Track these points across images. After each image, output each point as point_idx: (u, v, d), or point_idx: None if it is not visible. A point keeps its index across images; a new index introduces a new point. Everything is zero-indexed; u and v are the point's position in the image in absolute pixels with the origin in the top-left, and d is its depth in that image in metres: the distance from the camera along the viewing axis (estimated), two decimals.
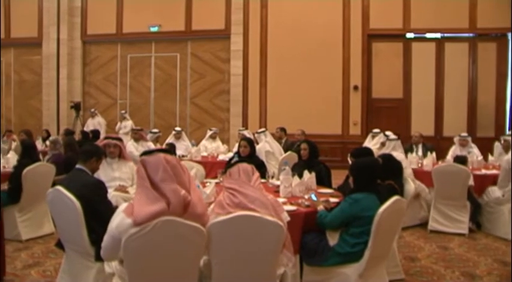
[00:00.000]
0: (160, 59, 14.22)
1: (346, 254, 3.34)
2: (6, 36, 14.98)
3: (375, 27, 12.48)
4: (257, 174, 3.13)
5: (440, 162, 7.12)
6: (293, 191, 4.28)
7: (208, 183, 4.45)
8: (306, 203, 3.81)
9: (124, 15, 14.20)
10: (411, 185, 4.77)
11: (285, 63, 12.81)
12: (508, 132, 11.15)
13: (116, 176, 5.14)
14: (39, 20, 14.68)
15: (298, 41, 12.69)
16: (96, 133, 9.96)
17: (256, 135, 8.54)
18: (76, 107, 13.45)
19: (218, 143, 9.73)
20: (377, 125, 11.16)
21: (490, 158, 7.76)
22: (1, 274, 4.17)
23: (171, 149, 2.89)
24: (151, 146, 8.17)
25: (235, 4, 13.19)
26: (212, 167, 7.19)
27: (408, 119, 12.53)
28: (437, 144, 10.81)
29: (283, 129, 9.59)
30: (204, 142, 9.61)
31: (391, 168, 4.38)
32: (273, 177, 5.27)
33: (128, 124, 11.90)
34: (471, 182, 5.91)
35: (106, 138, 5.63)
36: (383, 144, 7.45)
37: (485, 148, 8.58)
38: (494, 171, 6.46)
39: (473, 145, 8.01)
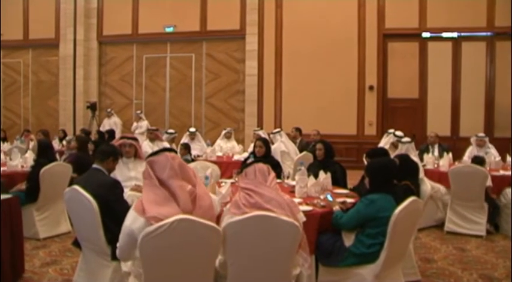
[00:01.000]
0: (175, 59, 14.29)
1: (362, 254, 3.32)
2: (24, 37, 15.22)
3: (391, 27, 12.40)
4: (273, 174, 3.14)
5: (456, 163, 7.05)
6: (309, 191, 4.27)
7: (223, 183, 4.45)
8: (322, 203, 3.80)
9: (139, 16, 14.30)
10: (427, 185, 4.74)
11: (300, 63, 12.79)
12: None
13: (132, 176, 5.16)
14: (56, 22, 14.87)
15: (313, 41, 12.66)
16: (111, 133, 10.06)
17: (271, 135, 8.54)
18: (92, 107, 13.58)
19: (233, 143, 9.76)
20: (392, 125, 11.10)
21: (508, 158, 7.64)
22: (20, 271, 4.25)
23: (174, 149, 2.97)
24: (166, 145, 8.21)
25: (250, 4, 13.21)
26: (227, 167, 7.21)
27: (424, 119, 12.42)
28: (454, 144, 10.72)
29: (298, 129, 9.58)
30: (219, 142, 9.65)
31: (407, 168, 4.36)
32: (288, 177, 5.26)
33: (144, 124, 11.99)
34: (489, 182, 5.83)
35: (121, 138, 5.66)
36: (394, 145, 7.31)
37: (503, 148, 8.46)
38: None
39: (490, 145, 7.92)
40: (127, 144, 5.25)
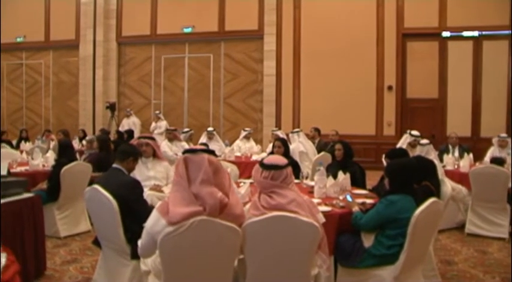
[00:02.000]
0: (193, 59, 14.35)
1: (381, 256, 3.29)
2: (46, 39, 15.46)
3: (410, 26, 12.28)
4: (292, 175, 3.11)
5: (477, 164, 6.95)
6: (327, 191, 4.25)
7: (242, 183, 4.46)
8: (341, 203, 3.78)
9: (158, 16, 14.40)
10: (448, 186, 4.66)
11: (318, 63, 12.74)
12: None
13: (151, 176, 5.20)
14: (76, 23, 15.07)
15: (331, 41, 12.61)
16: (130, 133, 10.15)
17: (290, 135, 8.52)
18: (111, 107, 13.72)
19: (252, 143, 9.78)
20: (411, 125, 11.00)
21: None
22: (42, 269, 4.31)
23: (213, 151, 2.83)
24: (185, 145, 8.28)
25: (268, 5, 13.21)
26: (246, 167, 7.22)
27: (444, 119, 12.27)
28: (474, 145, 10.58)
29: (317, 130, 9.56)
30: (237, 142, 9.68)
31: (424, 168, 4.29)
32: (306, 177, 5.24)
33: (163, 124, 12.08)
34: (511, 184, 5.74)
35: (139, 138, 5.71)
36: (410, 145, 7.19)
37: None
38: None
39: None
40: (143, 143, 5.28)
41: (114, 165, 3.95)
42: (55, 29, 15.31)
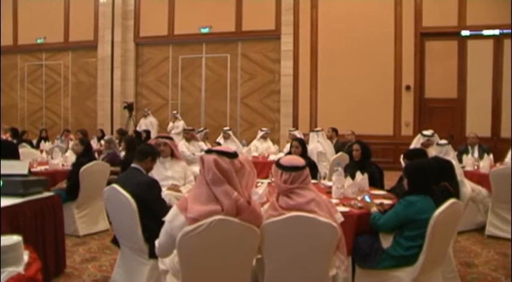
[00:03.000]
0: (211, 59, 14.40)
1: (400, 257, 3.27)
2: (65, 40, 15.65)
3: (428, 26, 12.16)
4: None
5: (498, 165, 6.84)
6: (345, 192, 4.23)
7: (260, 183, 4.45)
8: (359, 204, 3.76)
9: (175, 17, 14.49)
10: (468, 187, 4.61)
11: (336, 63, 12.69)
12: None
13: (169, 175, 5.21)
14: (95, 24, 15.23)
15: (349, 41, 12.54)
16: (148, 133, 10.22)
17: (310, 134, 8.50)
18: (129, 107, 13.84)
19: (269, 143, 9.78)
20: (430, 125, 10.88)
21: None
22: (62, 267, 4.37)
23: (229, 152, 2.82)
24: (202, 145, 8.32)
25: (285, 5, 13.20)
26: (263, 167, 7.24)
27: (463, 119, 12.12)
28: (494, 145, 10.42)
29: (334, 130, 9.53)
30: (255, 142, 9.68)
31: (442, 168, 4.23)
32: (324, 178, 5.22)
33: (180, 124, 12.14)
34: None
35: (157, 137, 5.73)
36: (423, 145, 7.02)
37: None
38: None
39: None
40: (161, 143, 5.30)
41: (133, 165, 3.97)
42: (74, 30, 15.50)
